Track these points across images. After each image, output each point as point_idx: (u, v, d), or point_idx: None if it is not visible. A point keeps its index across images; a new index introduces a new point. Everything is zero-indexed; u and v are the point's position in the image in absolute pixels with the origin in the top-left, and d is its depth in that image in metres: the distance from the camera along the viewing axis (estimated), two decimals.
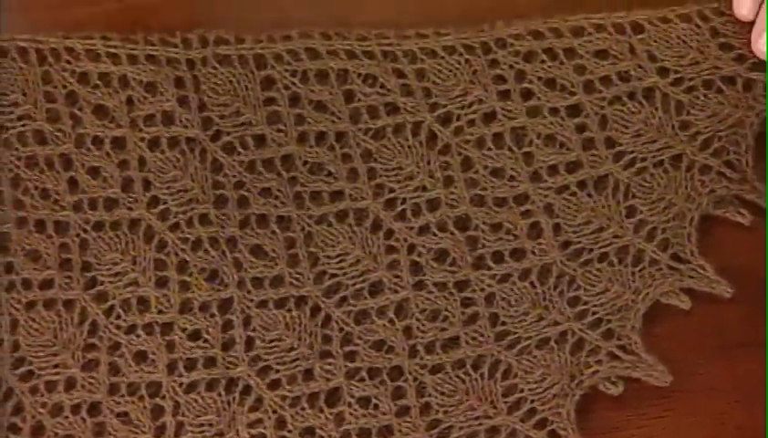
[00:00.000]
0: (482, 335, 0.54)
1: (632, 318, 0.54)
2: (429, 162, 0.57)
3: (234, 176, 0.57)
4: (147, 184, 0.57)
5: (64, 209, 0.57)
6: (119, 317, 0.55)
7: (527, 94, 0.59)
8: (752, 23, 0.59)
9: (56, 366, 0.55)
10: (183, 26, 0.60)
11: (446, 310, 0.55)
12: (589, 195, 0.57)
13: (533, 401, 0.53)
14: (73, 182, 0.58)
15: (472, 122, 0.58)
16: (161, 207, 0.57)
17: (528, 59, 0.59)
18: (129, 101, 0.59)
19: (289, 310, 0.55)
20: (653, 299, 0.55)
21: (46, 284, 0.56)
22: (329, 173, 0.57)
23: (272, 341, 0.55)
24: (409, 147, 0.58)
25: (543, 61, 0.59)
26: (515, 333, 0.54)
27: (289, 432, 0.53)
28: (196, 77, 0.59)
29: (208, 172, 0.57)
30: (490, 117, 0.58)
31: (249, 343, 0.55)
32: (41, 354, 0.55)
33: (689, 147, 0.57)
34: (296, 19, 0.60)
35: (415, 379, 0.54)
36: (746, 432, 0.53)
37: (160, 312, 0.55)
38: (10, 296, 0.56)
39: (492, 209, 0.57)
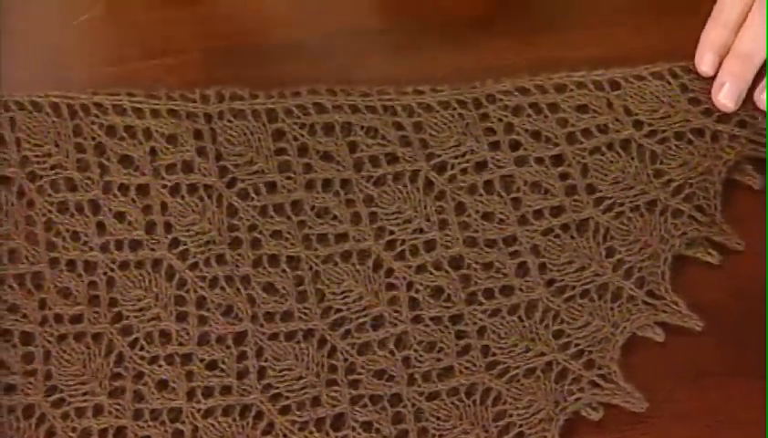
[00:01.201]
0: (474, 365, 0.55)
1: (611, 349, 0.55)
2: (425, 207, 0.59)
3: (248, 220, 0.59)
4: (168, 227, 0.59)
5: (92, 250, 0.58)
6: (142, 348, 0.56)
7: (515, 145, 0.60)
8: (713, 78, 0.60)
9: (85, 394, 0.56)
10: (201, 83, 0.62)
11: (441, 342, 0.56)
12: (572, 237, 0.58)
13: (521, 426, 0.54)
14: (101, 226, 0.59)
15: (464, 171, 0.59)
16: (181, 248, 0.58)
17: (516, 113, 0.60)
18: (153, 152, 0.60)
19: (298, 342, 0.56)
20: (630, 332, 0.56)
21: (76, 318, 0.57)
22: (335, 217, 0.59)
23: (282, 371, 0.56)
24: (407, 193, 0.59)
25: (529, 115, 0.60)
26: (505, 363, 0.55)
27: None
28: (213, 129, 0.60)
29: (224, 215, 0.59)
30: (481, 166, 0.60)
31: (261, 372, 0.56)
32: (71, 383, 0.56)
33: (662, 193, 0.58)
34: (305, 76, 0.62)
35: (413, 405, 0.55)
36: None
37: (180, 344, 0.56)
38: (43, 329, 0.57)
39: (483, 249, 0.58)
